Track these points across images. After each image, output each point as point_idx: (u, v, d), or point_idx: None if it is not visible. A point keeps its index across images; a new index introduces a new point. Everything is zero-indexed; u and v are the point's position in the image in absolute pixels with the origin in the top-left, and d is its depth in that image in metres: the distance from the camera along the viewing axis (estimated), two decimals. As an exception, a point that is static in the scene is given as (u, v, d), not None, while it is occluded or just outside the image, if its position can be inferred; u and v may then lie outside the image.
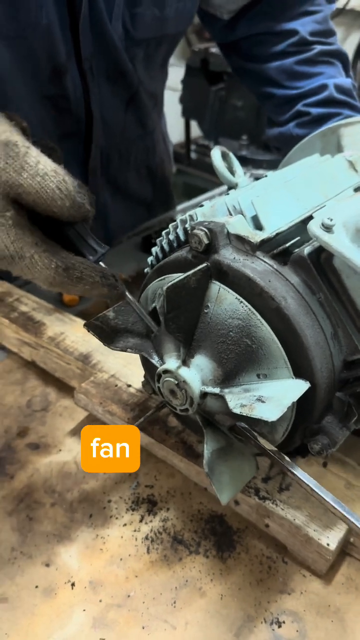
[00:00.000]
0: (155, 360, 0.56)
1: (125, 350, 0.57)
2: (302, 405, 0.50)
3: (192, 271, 0.49)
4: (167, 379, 0.53)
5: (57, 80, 0.86)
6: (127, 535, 0.62)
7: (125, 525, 0.63)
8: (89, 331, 0.56)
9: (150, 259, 0.61)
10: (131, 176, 1.11)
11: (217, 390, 0.51)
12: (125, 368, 0.76)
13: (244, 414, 0.45)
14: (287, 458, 0.52)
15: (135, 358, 0.62)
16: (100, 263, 0.53)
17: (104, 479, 0.68)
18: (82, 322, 0.84)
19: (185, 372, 0.52)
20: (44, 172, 0.46)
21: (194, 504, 0.65)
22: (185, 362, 0.52)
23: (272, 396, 0.45)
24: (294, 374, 0.48)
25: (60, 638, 0.53)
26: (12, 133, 0.47)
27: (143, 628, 0.54)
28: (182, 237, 0.56)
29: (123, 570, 0.59)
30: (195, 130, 3.19)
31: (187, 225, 0.55)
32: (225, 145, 2.97)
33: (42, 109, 0.89)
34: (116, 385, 0.73)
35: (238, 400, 0.47)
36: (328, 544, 0.56)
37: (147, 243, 1.12)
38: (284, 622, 0.55)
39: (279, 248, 0.50)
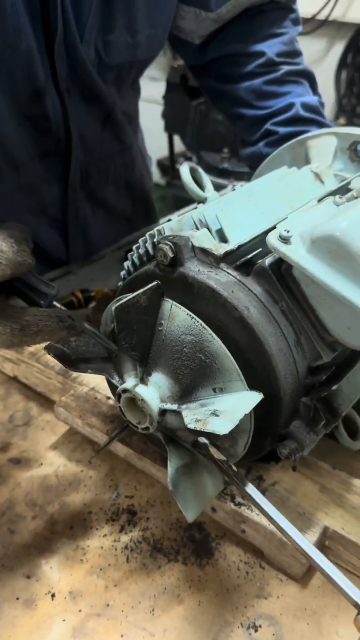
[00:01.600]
0: (115, 380, 0.57)
1: (86, 372, 0.57)
2: (269, 411, 0.51)
3: (142, 290, 0.51)
4: (125, 397, 0.54)
5: (37, 101, 0.88)
6: (107, 545, 0.63)
7: (105, 535, 0.64)
8: (49, 354, 0.56)
9: (122, 273, 0.62)
10: (110, 191, 1.13)
11: (174, 406, 0.51)
12: (104, 381, 0.77)
13: (199, 429, 0.46)
14: (243, 481, 0.51)
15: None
16: (55, 303, 0.55)
17: (84, 491, 0.69)
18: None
19: (142, 390, 0.52)
20: None
21: (173, 512, 0.66)
22: (143, 380, 0.53)
23: (226, 409, 0.46)
24: (258, 381, 0.50)
25: (40, 649, 0.54)
26: None
27: (122, 636, 0.55)
28: (150, 251, 0.57)
29: (103, 580, 0.60)
30: (181, 144, 3.24)
31: (155, 240, 0.57)
32: (207, 158, 3.01)
33: (23, 130, 0.92)
34: (95, 398, 0.75)
35: (194, 415, 0.48)
36: (302, 548, 0.57)
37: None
38: (260, 626, 0.56)
39: (241, 259, 0.52)
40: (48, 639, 0.55)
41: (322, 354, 0.51)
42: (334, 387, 0.52)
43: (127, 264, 0.61)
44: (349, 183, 0.66)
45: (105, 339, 0.57)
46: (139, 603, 0.58)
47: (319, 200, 0.62)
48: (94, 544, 0.63)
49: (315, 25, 3.60)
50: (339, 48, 3.64)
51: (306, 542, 0.47)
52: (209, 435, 0.51)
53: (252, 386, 0.50)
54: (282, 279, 0.51)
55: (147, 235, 0.58)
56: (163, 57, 3.25)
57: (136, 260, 0.60)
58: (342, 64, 3.63)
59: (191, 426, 0.46)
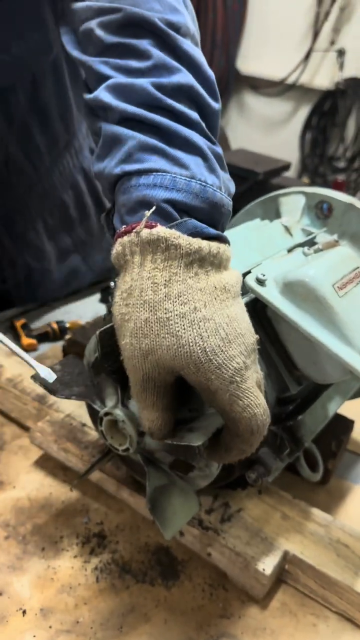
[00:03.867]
0: (97, 405, 0.60)
1: (70, 398, 0.60)
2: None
3: None
4: (107, 419, 0.57)
5: None
6: (78, 565, 0.65)
7: (76, 557, 0.66)
8: (35, 382, 0.59)
9: (107, 305, 0.67)
10: (45, 227, 1.09)
11: None
12: (80, 408, 0.80)
13: (174, 443, 0.49)
14: None
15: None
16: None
17: (56, 514, 0.71)
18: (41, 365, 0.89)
19: (122, 412, 0.55)
20: None
21: (141, 537, 0.69)
22: (123, 403, 0.57)
23: (200, 426, 0.50)
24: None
25: (11, 663, 0.55)
26: None
27: (90, 652, 0.57)
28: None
29: (73, 598, 0.62)
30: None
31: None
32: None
33: None
34: (71, 424, 0.78)
35: None
36: (264, 569, 0.61)
37: (106, 294, 1.17)
38: (222, 644, 0.59)
39: (220, 298, 0.58)
40: (18, 654, 0.56)
41: (289, 387, 0.57)
42: (299, 417, 0.57)
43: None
44: (314, 237, 0.74)
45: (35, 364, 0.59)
46: (108, 621, 0.60)
47: (289, 251, 0.69)
48: (64, 564, 0.65)
49: (283, 89, 3.84)
50: (304, 111, 3.88)
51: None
52: (186, 458, 0.55)
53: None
54: (256, 317, 0.57)
55: None
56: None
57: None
58: (307, 126, 3.87)
59: (168, 441, 0.49)
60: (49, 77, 0.92)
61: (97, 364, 0.59)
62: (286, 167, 2.96)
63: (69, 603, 0.61)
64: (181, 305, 0.44)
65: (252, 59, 3.90)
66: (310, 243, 0.71)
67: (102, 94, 0.50)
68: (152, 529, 0.70)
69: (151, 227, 0.45)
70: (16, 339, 1.02)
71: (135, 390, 0.48)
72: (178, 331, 0.43)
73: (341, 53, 3.51)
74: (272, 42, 3.76)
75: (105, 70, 0.51)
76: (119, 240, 0.47)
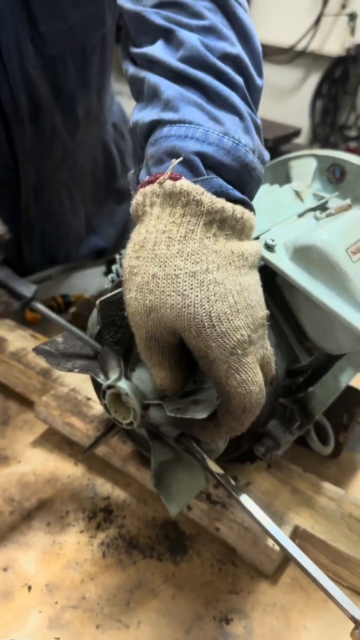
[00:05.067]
0: (101, 378, 0.57)
1: (73, 371, 0.58)
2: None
3: None
4: (110, 392, 0.54)
5: None
6: (84, 541, 0.64)
7: (82, 532, 0.65)
8: (37, 355, 0.57)
9: (111, 276, 0.65)
10: (70, 196, 1.09)
11: (157, 400, 0.52)
12: (85, 382, 0.79)
13: (179, 416, 0.47)
14: (232, 482, 0.51)
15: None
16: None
17: (62, 489, 0.70)
18: (45, 339, 0.87)
19: (126, 385, 0.53)
20: None
21: (149, 511, 0.68)
22: (127, 376, 0.54)
23: (205, 399, 0.48)
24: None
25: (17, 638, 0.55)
26: None
27: (97, 627, 0.56)
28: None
29: (79, 573, 0.61)
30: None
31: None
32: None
33: None
34: (76, 399, 0.76)
35: (175, 405, 0.49)
36: (274, 545, 0.60)
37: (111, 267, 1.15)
38: (232, 620, 0.58)
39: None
40: (24, 630, 0.55)
41: (300, 358, 0.55)
42: (310, 389, 0.55)
43: (115, 266, 0.64)
44: (326, 202, 0.70)
45: (87, 338, 0.58)
46: (115, 596, 0.59)
47: (299, 216, 0.66)
48: (70, 540, 0.64)
49: (293, 56, 3.74)
50: (314, 79, 3.78)
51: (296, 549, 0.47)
52: (191, 432, 0.53)
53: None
54: (265, 286, 0.54)
55: None
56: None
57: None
58: (317, 94, 3.77)
59: (172, 414, 0.48)
60: (97, 51, 0.94)
61: (99, 336, 0.57)
62: (296, 133, 2.89)
63: (75, 579, 0.60)
64: (193, 264, 0.42)
65: (260, 25, 3.78)
66: (322, 208, 0.68)
67: (150, 47, 0.50)
68: (159, 504, 0.69)
69: (175, 179, 0.43)
70: (20, 312, 1.00)
71: (140, 348, 0.47)
72: (185, 290, 0.41)
73: (353, 17, 3.39)
74: (281, 7, 3.64)
75: (157, 19, 0.50)
76: (141, 190, 0.45)
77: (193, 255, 0.42)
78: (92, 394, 0.77)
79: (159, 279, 0.42)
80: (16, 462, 0.74)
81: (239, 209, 0.44)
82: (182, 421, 0.50)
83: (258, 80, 0.51)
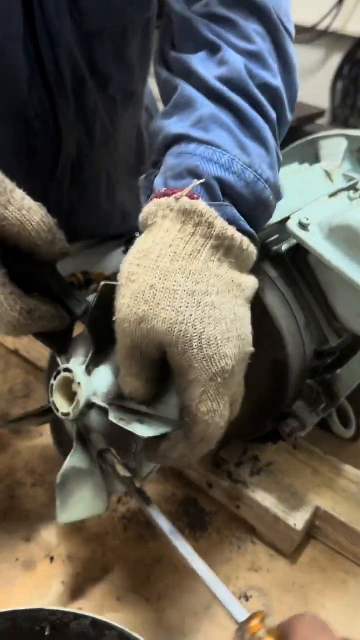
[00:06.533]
0: (62, 359, 0.53)
1: (38, 339, 0.53)
2: (276, 390, 0.53)
3: None
4: (64, 376, 0.50)
5: (25, 98, 0.84)
6: (105, 514, 0.64)
7: (103, 506, 0.66)
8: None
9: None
10: (105, 178, 1.08)
11: (104, 404, 0.48)
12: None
13: (120, 425, 0.44)
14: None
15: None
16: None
17: (83, 463, 0.71)
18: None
19: (82, 376, 0.48)
20: (29, 207, 0.47)
21: (169, 488, 0.69)
22: (88, 367, 0.49)
23: (150, 424, 0.45)
24: (268, 359, 0.52)
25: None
26: None
27: (118, 599, 0.57)
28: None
29: (100, 546, 0.61)
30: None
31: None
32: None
33: (12, 129, 0.87)
34: (98, 375, 0.76)
35: (120, 415, 0.46)
36: (295, 524, 0.60)
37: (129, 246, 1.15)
38: (251, 597, 0.58)
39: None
40: (47, 599, 0.56)
41: (329, 339, 0.54)
42: (337, 372, 0.55)
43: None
44: (357, 183, 0.69)
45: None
46: (135, 570, 0.60)
47: (330, 196, 0.65)
48: (92, 513, 0.65)
49: (314, 36, 3.66)
50: (336, 59, 3.71)
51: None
52: (119, 447, 0.50)
53: (261, 364, 0.52)
54: (296, 265, 0.54)
55: None
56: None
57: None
58: (338, 75, 3.69)
59: (114, 421, 0.44)
60: (138, 35, 0.93)
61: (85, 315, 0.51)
62: (320, 114, 2.84)
63: (97, 551, 0.61)
64: (194, 283, 0.42)
65: (282, 3, 3.71)
66: (353, 189, 0.67)
67: (191, 56, 0.50)
68: (179, 480, 0.69)
69: (192, 197, 0.43)
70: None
71: (121, 355, 0.45)
72: (180, 307, 0.41)
73: (378, -4, 3.31)
74: (305, -15, 3.56)
75: (206, 33, 0.50)
76: (155, 200, 0.45)
77: (195, 274, 0.42)
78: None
79: (156, 290, 0.41)
80: (38, 435, 0.74)
81: (246, 241, 0.44)
82: (117, 435, 0.47)
83: (289, 116, 0.53)
